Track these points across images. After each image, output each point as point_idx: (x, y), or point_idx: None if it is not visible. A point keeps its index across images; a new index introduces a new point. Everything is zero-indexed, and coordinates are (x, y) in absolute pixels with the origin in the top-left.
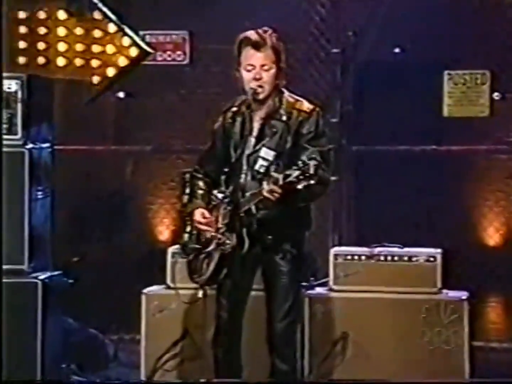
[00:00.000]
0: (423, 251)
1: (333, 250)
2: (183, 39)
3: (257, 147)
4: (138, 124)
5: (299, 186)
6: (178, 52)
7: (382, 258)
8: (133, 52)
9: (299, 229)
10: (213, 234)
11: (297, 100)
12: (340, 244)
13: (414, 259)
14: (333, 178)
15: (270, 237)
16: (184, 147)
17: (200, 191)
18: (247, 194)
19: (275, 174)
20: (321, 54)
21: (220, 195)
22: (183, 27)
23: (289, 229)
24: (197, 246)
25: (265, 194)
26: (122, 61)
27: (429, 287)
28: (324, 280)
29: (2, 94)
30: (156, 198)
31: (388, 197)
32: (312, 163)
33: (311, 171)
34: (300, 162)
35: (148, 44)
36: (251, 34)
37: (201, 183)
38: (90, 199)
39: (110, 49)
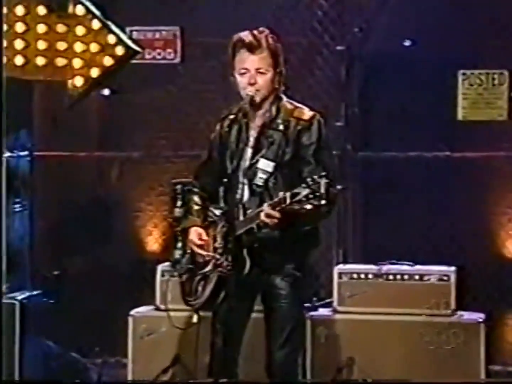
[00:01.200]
0: (435, 269)
1: (338, 268)
2: (174, 35)
3: (254, 159)
4: (124, 127)
5: (308, 206)
6: (169, 50)
7: (390, 277)
8: (119, 50)
9: (305, 249)
10: (210, 255)
11: (296, 107)
12: (345, 261)
13: (425, 278)
14: (338, 187)
15: (272, 257)
16: (174, 151)
17: (196, 207)
18: (243, 216)
19: (281, 193)
20: (324, 51)
21: (217, 211)
22: (174, 23)
23: (293, 249)
24: (191, 266)
25: (263, 218)
26: (107, 61)
27: (442, 308)
28: (327, 300)
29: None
30: (145, 204)
31: (397, 208)
32: (323, 181)
33: (322, 190)
34: (309, 180)
35: (135, 41)
36: (245, 35)
37: (196, 198)
38: (72, 210)
39: (94, 47)
